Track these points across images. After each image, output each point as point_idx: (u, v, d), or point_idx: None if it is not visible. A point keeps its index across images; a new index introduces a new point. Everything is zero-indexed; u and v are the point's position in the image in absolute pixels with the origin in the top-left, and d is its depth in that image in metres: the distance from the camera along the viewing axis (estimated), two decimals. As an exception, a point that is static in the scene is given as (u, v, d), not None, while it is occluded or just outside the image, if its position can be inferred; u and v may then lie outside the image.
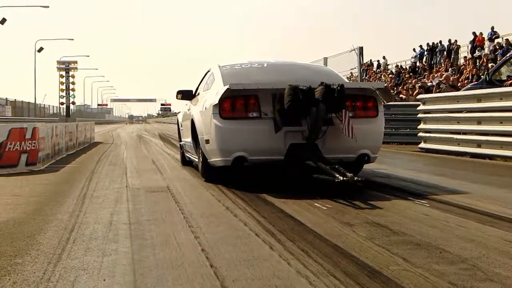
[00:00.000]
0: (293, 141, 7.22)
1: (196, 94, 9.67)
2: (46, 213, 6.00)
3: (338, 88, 7.06)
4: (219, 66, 8.79)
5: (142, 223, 5.39)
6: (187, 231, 5.01)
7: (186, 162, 10.75)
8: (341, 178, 6.48)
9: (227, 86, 7.25)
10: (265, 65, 8.84)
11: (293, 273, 3.73)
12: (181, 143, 11.23)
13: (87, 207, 6.37)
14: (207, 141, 7.68)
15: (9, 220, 5.63)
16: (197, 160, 8.94)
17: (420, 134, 14.48)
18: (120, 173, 9.91)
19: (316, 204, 6.28)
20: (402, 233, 4.83)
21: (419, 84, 22.04)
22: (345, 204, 6.25)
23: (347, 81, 8.59)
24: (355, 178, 6.49)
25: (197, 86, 9.95)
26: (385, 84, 9.41)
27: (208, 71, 9.34)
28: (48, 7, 52.99)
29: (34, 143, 10.69)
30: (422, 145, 14.23)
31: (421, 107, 14.60)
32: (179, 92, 10.15)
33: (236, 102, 7.37)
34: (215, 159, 7.65)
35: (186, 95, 10.03)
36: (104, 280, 3.63)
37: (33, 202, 6.80)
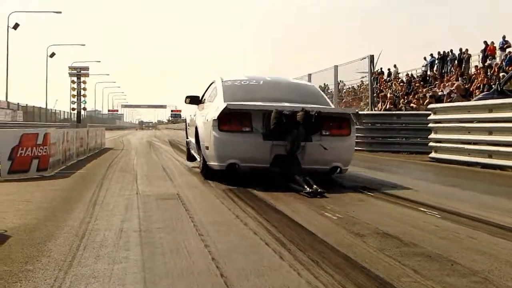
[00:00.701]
0: (278, 153, 8.52)
1: (202, 101, 11.03)
2: (57, 220, 6.02)
3: (316, 114, 8.37)
4: (222, 81, 10.10)
5: (152, 231, 5.40)
6: (197, 240, 5.01)
7: (190, 157, 12.21)
8: (308, 189, 7.63)
9: (225, 105, 8.52)
10: (261, 82, 10.18)
11: (303, 283, 3.72)
12: (187, 140, 12.76)
13: (98, 213, 6.38)
14: (207, 148, 9.04)
15: (20, 226, 5.66)
16: (198, 159, 10.44)
17: (431, 143, 14.44)
18: (131, 179, 9.94)
19: (326, 214, 6.27)
20: (413, 244, 4.82)
21: (430, 93, 21.99)
22: (355, 214, 6.23)
23: (329, 101, 10.22)
24: (319, 190, 7.58)
25: (203, 93, 11.35)
26: (357, 110, 11.44)
27: (213, 82, 10.66)
28: (60, 12, 53.37)
29: (46, 148, 10.74)
30: (433, 154, 14.18)
31: (432, 116, 14.55)
32: (187, 97, 11.62)
33: (232, 118, 8.64)
34: (213, 163, 8.95)
35: (194, 100, 11.44)
36: (115, 288, 3.63)
37: (44, 208, 6.83)
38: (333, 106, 10.77)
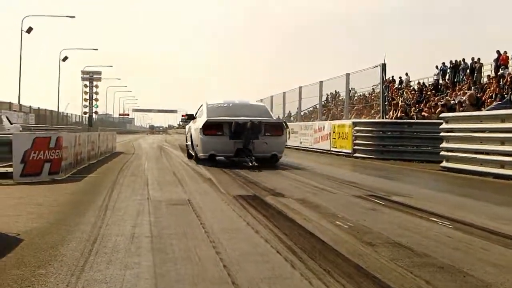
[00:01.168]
0: (238, 147, 13.94)
1: (195, 117, 16.21)
2: (69, 224, 6.05)
3: (258, 123, 13.96)
4: (207, 104, 15.51)
5: (163, 237, 5.41)
6: (209, 246, 5.02)
7: (189, 156, 17.01)
8: (250, 164, 13.24)
9: (206, 119, 14.19)
10: (231, 104, 15.65)
11: (315, 293, 3.71)
12: (187, 144, 17.78)
13: (109, 218, 6.41)
14: (197, 145, 14.65)
15: (32, 230, 5.69)
16: (193, 153, 15.63)
17: (442, 153, 14.35)
18: (142, 184, 9.97)
19: (337, 222, 6.26)
20: (425, 254, 4.80)
21: (442, 102, 21.91)
22: (366, 223, 6.22)
23: (272, 115, 16.74)
24: (256, 164, 13.20)
25: (195, 112, 16.52)
26: (285, 120, 18.91)
27: (202, 105, 15.93)
28: (74, 17, 53.84)
29: (58, 152, 10.79)
30: (444, 164, 14.11)
31: (444, 125, 14.48)
32: (185, 115, 17.81)
33: (211, 127, 14.11)
34: (200, 154, 14.43)
35: (190, 117, 16.92)
36: (127, 294, 3.64)
37: (56, 211, 6.86)
38: (274, 118, 16.51)
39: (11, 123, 26.96)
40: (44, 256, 4.59)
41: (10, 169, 10.43)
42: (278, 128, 14.62)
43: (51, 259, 4.50)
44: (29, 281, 3.89)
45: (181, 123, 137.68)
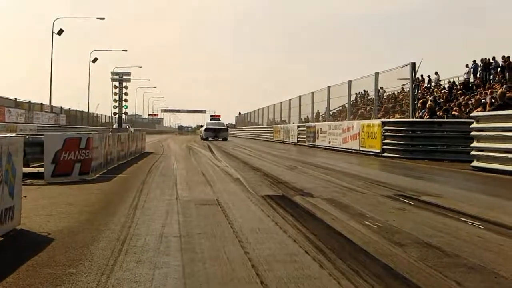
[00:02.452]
0: (215, 134, 46.81)
1: (202, 126, 54.54)
2: (99, 223, 6.11)
3: (220, 127, 48.92)
4: (206, 122, 53.31)
5: (192, 236, 5.44)
6: (237, 246, 5.03)
7: (201, 138, 47.63)
8: (216, 139, 45.50)
9: (206, 126, 49.65)
10: (213, 122, 52.92)
11: (344, 293, 3.70)
12: (200, 135, 50.63)
13: (139, 218, 6.46)
14: (202, 134, 48.92)
15: (63, 229, 5.76)
16: (202, 138, 47.66)
17: (473, 152, 14.19)
18: (170, 184, 10.03)
19: (365, 222, 6.23)
20: (455, 255, 4.75)
21: (472, 101, 21.66)
22: (395, 223, 6.17)
23: (225, 124, 54.71)
24: (219, 139, 46.03)
25: (202, 125, 57.68)
26: (228, 124, 66.88)
27: (205, 122, 56.33)
28: (103, 18, 54.23)
29: (88, 152, 10.92)
30: (475, 163, 13.94)
31: (475, 124, 14.32)
32: (198, 126, 71.93)
33: (207, 129, 48.11)
34: (203, 138, 46.75)
35: (200, 126, 58.52)
36: (156, 293, 3.67)
37: (86, 211, 6.94)
38: (225, 126, 51.96)
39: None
40: (75, 255, 4.65)
41: (41, 169, 10.58)
42: (226, 128, 50.62)
43: (81, 258, 4.55)
44: (60, 279, 3.95)
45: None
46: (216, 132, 46.23)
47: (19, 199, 5.75)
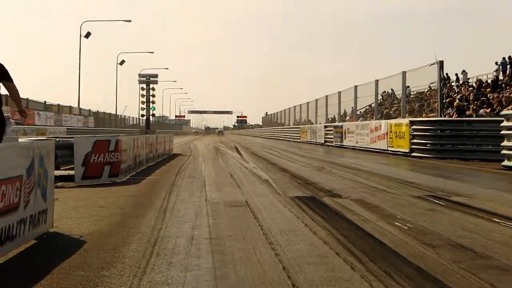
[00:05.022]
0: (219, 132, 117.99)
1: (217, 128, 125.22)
2: (130, 226, 6.16)
3: (222, 129, 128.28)
4: (219, 127, 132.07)
5: (222, 239, 5.46)
6: (267, 248, 5.03)
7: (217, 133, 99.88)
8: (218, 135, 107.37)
9: (218, 130, 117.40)
10: (220, 127, 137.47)
11: (376, 295, 3.68)
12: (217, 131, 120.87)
13: (169, 220, 6.50)
14: (217, 132, 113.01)
15: (95, 232, 5.82)
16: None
17: (504, 151, 13.99)
18: (199, 186, 10.07)
19: (396, 223, 6.19)
20: (488, 256, 4.69)
21: (502, 99, 21.36)
22: (426, 224, 6.12)
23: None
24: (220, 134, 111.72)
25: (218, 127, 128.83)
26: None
27: (218, 127, 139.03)
28: (130, 21, 54.67)
29: (117, 155, 11.01)
30: (506, 162, 13.75)
31: (505, 123, 14.12)
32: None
33: (218, 132, 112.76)
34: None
35: (213, 129, 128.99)
36: (188, 296, 3.69)
37: (116, 214, 7.00)
38: (222, 129, 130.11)
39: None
40: (106, 258, 4.69)
41: (72, 172, 10.70)
42: (223, 131, 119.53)
43: (113, 261, 4.59)
44: (93, 282, 3.99)
45: (236, 124, 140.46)
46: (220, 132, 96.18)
47: (52, 202, 5.82)
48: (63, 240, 5.54)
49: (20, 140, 10.13)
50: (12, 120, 22.41)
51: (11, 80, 7.68)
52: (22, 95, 10.99)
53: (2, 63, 7.66)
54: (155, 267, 4.38)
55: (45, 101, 45.10)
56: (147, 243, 5.27)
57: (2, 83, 7.60)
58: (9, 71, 7.65)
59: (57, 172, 9.56)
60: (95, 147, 10.66)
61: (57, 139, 11.99)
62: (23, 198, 4.84)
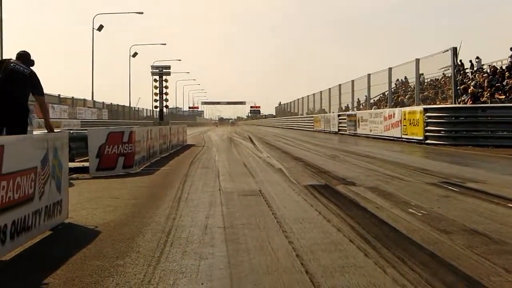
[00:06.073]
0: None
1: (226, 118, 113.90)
2: (144, 216, 6.19)
3: (234, 120, 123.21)
4: (231, 117, 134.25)
5: (236, 227, 5.47)
6: (281, 236, 5.04)
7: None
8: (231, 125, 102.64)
9: (231, 120, 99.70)
10: (230, 117, 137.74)
11: (389, 281, 3.69)
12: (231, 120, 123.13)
13: (183, 210, 6.53)
14: (231, 122, 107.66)
15: (110, 222, 5.86)
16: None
17: (519, 137, 13.91)
18: (213, 176, 10.09)
19: (410, 210, 6.17)
20: (503, 242, 4.68)
21: (517, 85, 21.15)
22: (440, 211, 6.10)
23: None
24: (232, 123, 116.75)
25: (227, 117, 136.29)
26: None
27: (230, 118, 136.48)
28: (142, 13, 54.61)
29: (131, 146, 11.06)
30: (521, 148, 13.67)
31: (520, 109, 14.03)
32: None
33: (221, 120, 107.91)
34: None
35: (227, 120, 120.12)
36: (202, 284, 3.71)
37: (131, 204, 7.04)
38: (233, 119, 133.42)
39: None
40: (121, 247, 4.73)
41: (86, 164, 10.77)
42: (235, 121, 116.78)
43: (128, 250, 4.63)
44: (108, 271, 4.02)
45: (249, 114, 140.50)
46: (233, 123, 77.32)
47: (66, 193, 5.87)
48: (78, 230, 5.58)
49: (34, 132, 10.20)
50: (35, 114, 22.53)
51: (40, 93, 7.66)
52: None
53: (34, 72, 7.62)
54: (169, 256, 4.40)
55: (59, 94, 45.28)
56: (161, 232, 5.30)
57: (33, 95, 7.60)
58: (40, 82, 7.61)
59: (72, 164, 9.65)
60: (109, 139, 10.71)
61: (71, 131, 12.07)
62: (38, 189, 4.88)
